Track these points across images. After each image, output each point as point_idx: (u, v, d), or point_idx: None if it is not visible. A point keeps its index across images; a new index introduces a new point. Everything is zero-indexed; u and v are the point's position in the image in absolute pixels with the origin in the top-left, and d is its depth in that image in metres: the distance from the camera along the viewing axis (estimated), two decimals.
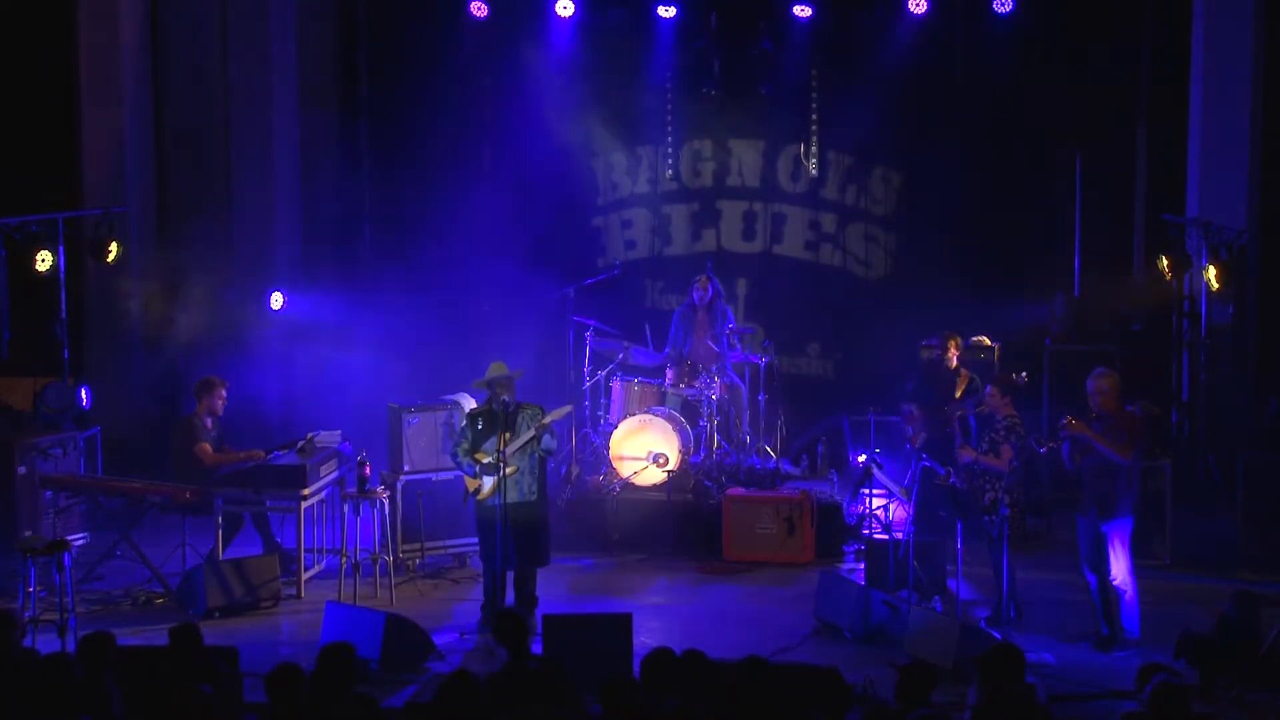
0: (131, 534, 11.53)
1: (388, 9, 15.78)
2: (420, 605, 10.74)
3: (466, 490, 10.46)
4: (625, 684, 6.73)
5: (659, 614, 10.59)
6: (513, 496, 10.16)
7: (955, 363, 12.28)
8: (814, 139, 15.49)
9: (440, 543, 11.95)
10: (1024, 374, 10.98)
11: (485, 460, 10.21)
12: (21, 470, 11.98)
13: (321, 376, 13.90)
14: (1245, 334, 14.08)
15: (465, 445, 10.37)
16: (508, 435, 10.14)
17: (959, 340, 12.38)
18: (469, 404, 12.09)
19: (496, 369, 10.37)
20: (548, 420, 10.27)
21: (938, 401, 12.09)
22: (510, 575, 10.36)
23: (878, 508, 12.29)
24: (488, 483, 10.24)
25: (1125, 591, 9.70)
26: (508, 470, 10.10)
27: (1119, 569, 9.68)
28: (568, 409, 10.78)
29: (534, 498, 10.30)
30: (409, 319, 14.24)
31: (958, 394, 12.13)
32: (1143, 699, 6.66)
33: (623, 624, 9.24)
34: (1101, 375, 9.78)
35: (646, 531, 12.48)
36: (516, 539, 10.15)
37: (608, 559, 12.22)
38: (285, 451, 11.54)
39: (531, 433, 10.18)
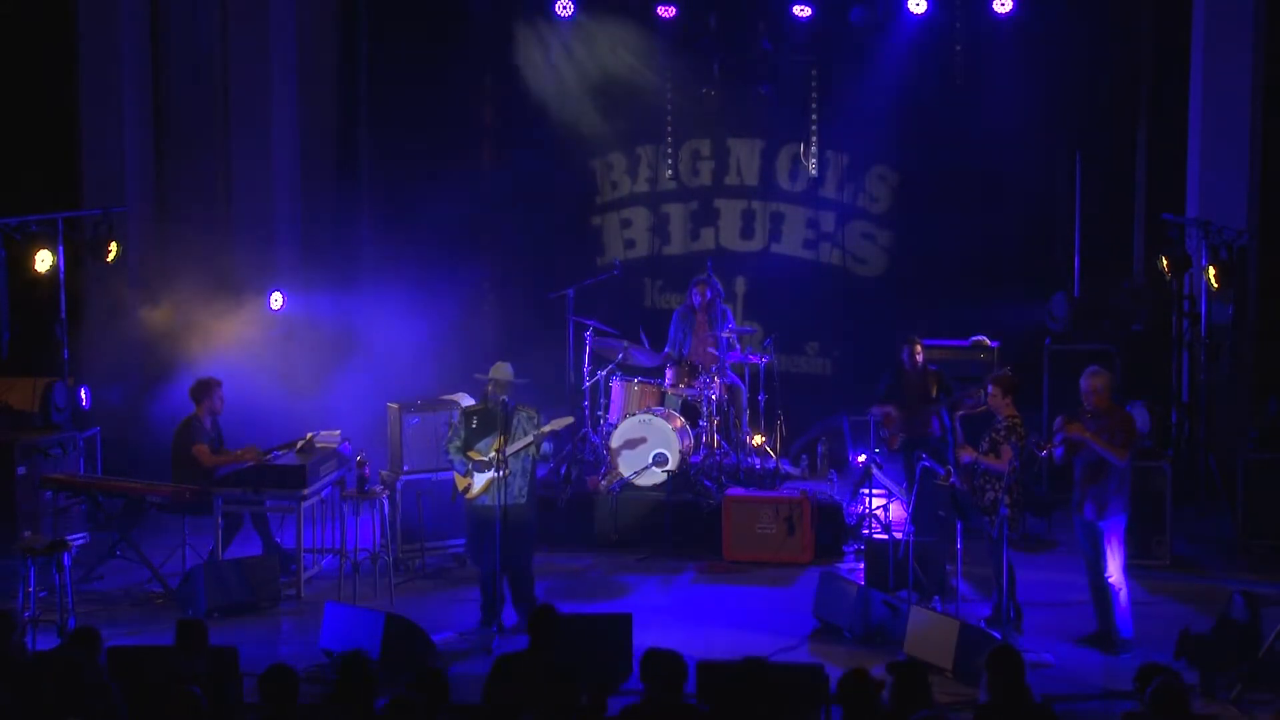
0: (131, 534, 11.53)
1: (388, 8, 15.77)
2: (420, 605, 10.73)
3: (455, 488, 10.45)
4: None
5: (659, 614, 10.58)
6: (505, 498, 10.15)
7: (921, 363, 12.30)
8: (813, 138, 15.48)
9: (440, 543, 11.96)
10: (1008, 367, 11.01)
11: (479, 459, 10.21)
12: (21, 470, 11.99)
13: (321, 376, 13.89)
14: (1245, 334, 14.07)
15: (458, 442, 10.35)
16: (505, 438, 10.12)
17: (919, 342, 12.38)
18: (469, 404, 12.10)
19: (499, 370, 10.36)
20: (547, 429, 10.28)
21: (912, 403, 12.12)
22: (505, 575, 10.34)
23: (878, 508, 12.30)
24: (479, 481, 10.23)
25: (1119, 590, 9.70)
26: (504, 473, 10.09)
27: (1113, 567, 9.69)
28: (569, 420, 10.77)
29: (524, 500, 10.30)
30: (408, 319, 14.24)
31: (933, 393, 12.17)
32: (1142, 699, 6.66)
33: (623, 624, 9.25)
34: (1094, 374, 9.78)
35: (646, 531, 12.48)
36: (507, 539, 10.13)
37: (608, 559, 12.22)
38: (285, 451, 11.54)
39: (530, 439, 10.18)
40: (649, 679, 6.83)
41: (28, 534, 11.64)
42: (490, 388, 10.34)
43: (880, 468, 11.81)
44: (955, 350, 13.59)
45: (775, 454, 13.46)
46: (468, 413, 10.49)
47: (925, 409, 12.10)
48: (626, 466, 12.69)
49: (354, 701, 6.81)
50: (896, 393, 12.27)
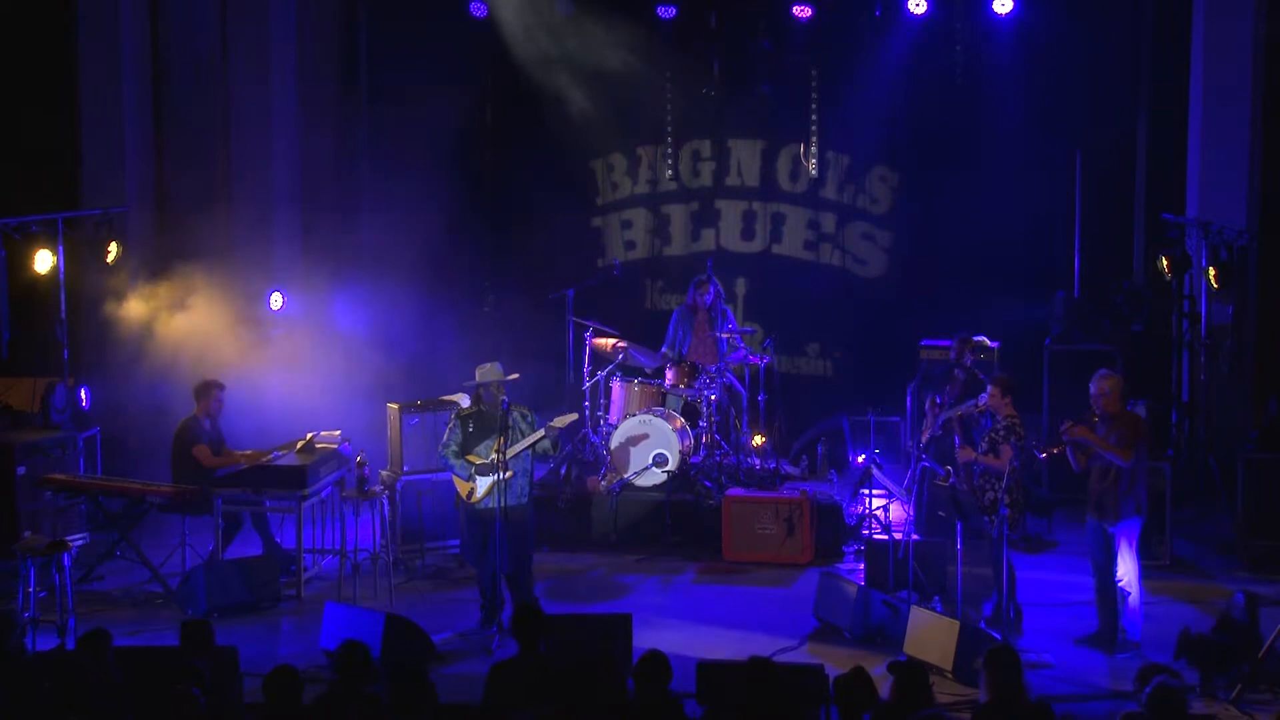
0: (131, 534, 11.53)
1: (388, 8, 15.78)
2: (420, 605, 10.74)
3: (459, 494, 10.41)
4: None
5: (659, 614, 10.58)
6: (506, 499, 10.12)
7: (970, 364, 12.29)
8: (813, 139, 15.48)
9: (440, 543, 11.97)
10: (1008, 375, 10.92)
11: (479, 462, 10.19)
12: (21, 470, 11.98)
13: (321, 376, 13.89)
14: (1245, 334, 14.06)
15: (454, 447, 10.30)
16: (504, 439, 10.09)
17: (971, 340, 12.39)
18: (468, 404, 12.09)
19: (490, 372, 10.33)
20: (554, 426, 10.26)
21: (950, 402, 12.10)
22: (506, 576, 10.33)
23: (878, 508, 12.29)
24: (482, 485, 10.19)
25: (1129, 593, 9.67)
26: (506, 474, 10.07)
27: (1125, 570, 9.66)
28: (574, 416, 10.80)
29: (524, 500, 10.30)
30: (408, 319, 14.24)
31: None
32: (1142, 700, 6.66)
33: (623, 624, 9.25)
34: (1104, 377, 9.76)
35: (646, 532, 12.49)
36: (507, 540, 10.11)
37: (608, 559, 12.22)
38: (285, 452, 11.54)
39: (534, 438, 10.15)
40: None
41: (28, 534, 11.64)
42: (482, 390, 10.31)
43: (880, 467, 11.81)
44: None
45: (775, 454, 13.46)
46: (463, 417, 10.43)
47: (944, 410, 12.01)
48: (626, 467, 12.69)
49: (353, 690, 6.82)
50: (939, 389, 12.26)
